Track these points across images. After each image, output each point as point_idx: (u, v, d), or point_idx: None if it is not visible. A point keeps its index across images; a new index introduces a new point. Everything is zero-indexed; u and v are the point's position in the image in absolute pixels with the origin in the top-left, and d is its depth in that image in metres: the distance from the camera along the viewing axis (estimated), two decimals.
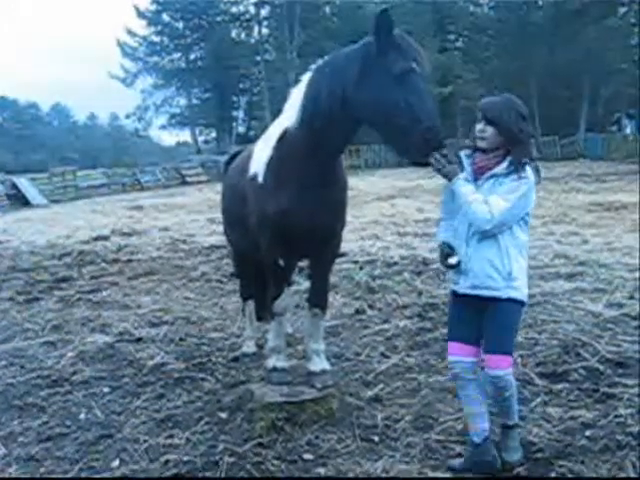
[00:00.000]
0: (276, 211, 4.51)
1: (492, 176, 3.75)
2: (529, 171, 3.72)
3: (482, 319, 3.84)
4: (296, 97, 4.49)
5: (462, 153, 3.90)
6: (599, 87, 47.74)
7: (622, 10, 46.83)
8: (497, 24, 53.34)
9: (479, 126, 3.78)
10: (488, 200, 3.64)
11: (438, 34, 52.50)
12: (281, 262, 4.81)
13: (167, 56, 59.03)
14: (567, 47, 44.27)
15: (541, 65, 46.29)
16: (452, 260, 3.87)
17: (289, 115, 4.54)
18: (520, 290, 3.81)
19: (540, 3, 51.86)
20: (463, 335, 3.91)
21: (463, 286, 3.86)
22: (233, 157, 5.99)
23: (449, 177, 3.71)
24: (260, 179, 4.66)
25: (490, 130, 3.73)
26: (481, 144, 3.80)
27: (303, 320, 6.46)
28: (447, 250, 3.89)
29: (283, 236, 4.62)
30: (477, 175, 3.81)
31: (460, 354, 3.90)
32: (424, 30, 50.03)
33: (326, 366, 4.94)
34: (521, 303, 3.86)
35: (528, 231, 3.89)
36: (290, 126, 4.49)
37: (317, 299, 4.94)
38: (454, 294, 4.00)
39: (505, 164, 3.74)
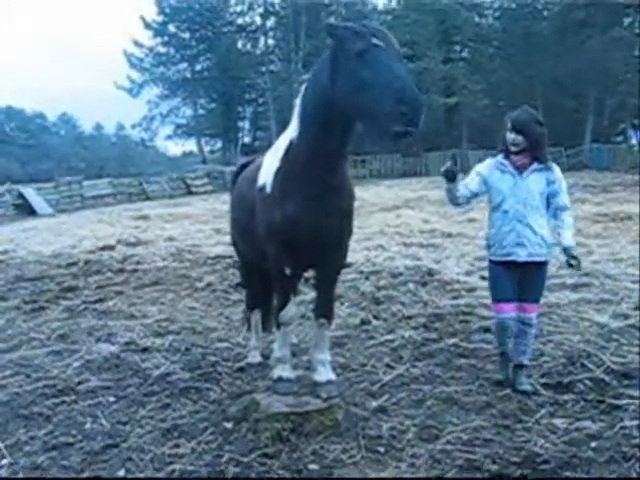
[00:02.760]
0: (283, 220, 4.55)
1: (533, 170, 5.15)
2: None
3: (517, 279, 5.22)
4: (296, 108, 4.64)
5: (499, 157, 5.26)
6: (604, 98, 47.76)
7: (627, 21, 46.90)
8: (502, 35, 53.50)
9: (512, 136, 5.09)
10: (568, 214, 5.29)
11: (443, 44, 52.65)
12: (288, 271, 4.83)
13: (173, 67, 59.30)
14: (572, 58, 44.31)
15: (546, 76, 46.38)
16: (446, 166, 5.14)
17: (293, 126, 4.65)
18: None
19: (545, 14, 51.98)
20: (511, 296, 5.22)
21: (522, 256, 5.16)
22: (242, 168, 6.02)
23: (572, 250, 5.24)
24: (268, 189, 4.71)
25: (520, 138, 5.06)
26: (514, 149, 5.13)
27: (309, 330, 6.47)
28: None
29: (290, 245, 4.65)
30: (520, 170, 5.16)
31: (509, 311, 5.22)
32: (429, 40, 50.24)
33: (331, 376, 4.95)
34: None
35: None
36: (293, 137, 4.60)
37: (323, 309, 4.96)
38: (511, 263, 5.19)
39: (537, 162, 5.15)
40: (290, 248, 4.67)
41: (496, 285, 5.33)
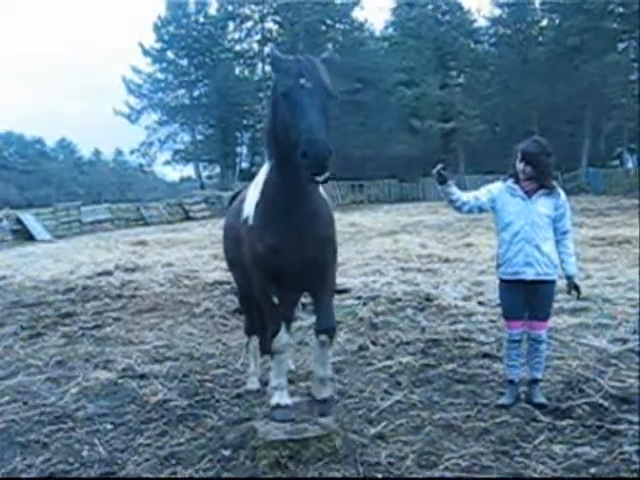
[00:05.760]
0: (266, 250, 4.65)
1: (541, 195, 5.41)
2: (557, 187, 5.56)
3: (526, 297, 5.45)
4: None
5: (510, 182, 5.52)
6: (600, 122, 48.10)
7: (621, 46, 47.39)
8: (498, 60, 54.04)
9: (520, 166, 5.39)
10: (569, 237, 5.55)
11: (440, 70, 53.14)
12: (275, 299, 4.86)
13: (172, 93, 59.64)
14: (567, 83, 44.73)
15: (542, 101, 46.76)
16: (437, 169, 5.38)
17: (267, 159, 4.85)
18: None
19: (540, 39, 52.55)
20: (520, 313, 5.50)
21: (530, 275, 5.38)
22: (235, 197, 6.11)
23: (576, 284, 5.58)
24: (251, 221, 4.83)
25: (529, 169, 5.36)
26: (523, 177, 5.42)
27: (307, 357, 6.47)
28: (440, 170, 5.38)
29: (274, 274, 4.73)
30: (529, 194, 5.42)
31: (520, 328, 5.52)
32: (426, 66, 50.72)
33: (328, 394, 4.93)
34: None
35: None
36: (268, 169, 4.78)
37: (323, 324, 4.85)
38: (520, 281, 5.41)
39: (544, 189, 5.42)
40: (275, 277, 4.75)
41: (506, 303, 5.61)
